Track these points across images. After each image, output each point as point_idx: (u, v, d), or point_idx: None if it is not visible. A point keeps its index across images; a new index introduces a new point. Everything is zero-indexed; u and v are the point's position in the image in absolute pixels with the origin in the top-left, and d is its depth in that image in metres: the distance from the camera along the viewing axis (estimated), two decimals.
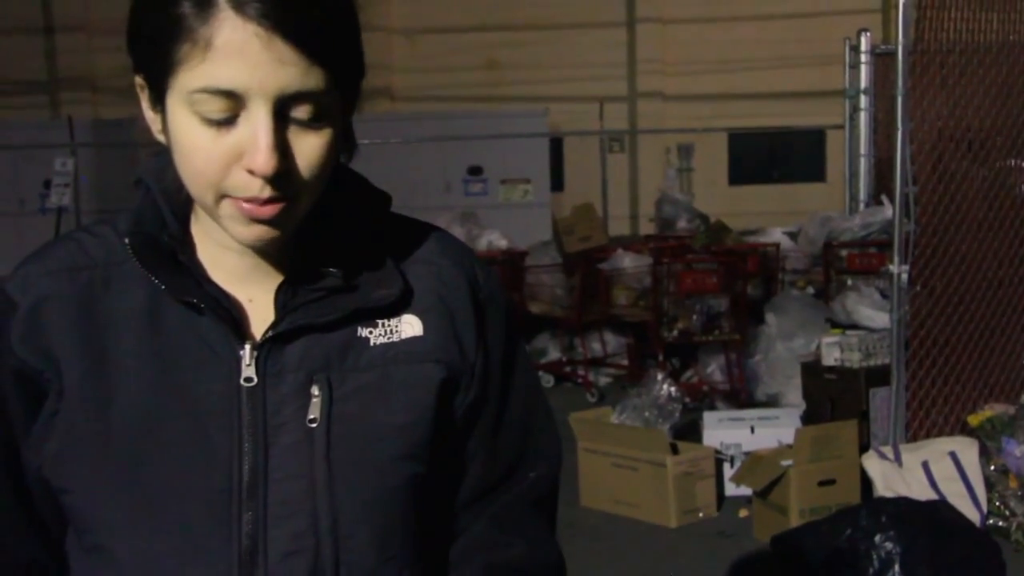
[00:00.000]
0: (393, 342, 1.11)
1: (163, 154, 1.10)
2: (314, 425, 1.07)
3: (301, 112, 1.00)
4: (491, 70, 18.92)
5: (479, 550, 1.19)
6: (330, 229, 1.13)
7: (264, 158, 0.98)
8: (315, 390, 1.08)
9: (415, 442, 1.11)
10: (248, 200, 1.00)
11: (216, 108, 0.98)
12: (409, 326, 1.13)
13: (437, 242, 1.19)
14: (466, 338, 1.15)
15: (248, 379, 1.07)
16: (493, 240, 8.92)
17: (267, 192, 1.00)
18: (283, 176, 1.00)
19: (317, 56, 0.99)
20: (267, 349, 1.08)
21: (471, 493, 1.20)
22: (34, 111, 17.65)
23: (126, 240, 1.08)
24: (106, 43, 17.40)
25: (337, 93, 1.02)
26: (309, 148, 1.01)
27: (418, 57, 18.60)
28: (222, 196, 1.01)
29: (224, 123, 0.99)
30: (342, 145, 1.08)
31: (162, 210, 1.11)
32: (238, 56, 0.96)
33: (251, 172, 0.99)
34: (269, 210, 1.01)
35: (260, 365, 1.07)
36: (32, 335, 1.08)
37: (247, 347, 1.08)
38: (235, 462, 1.06)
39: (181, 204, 1.11)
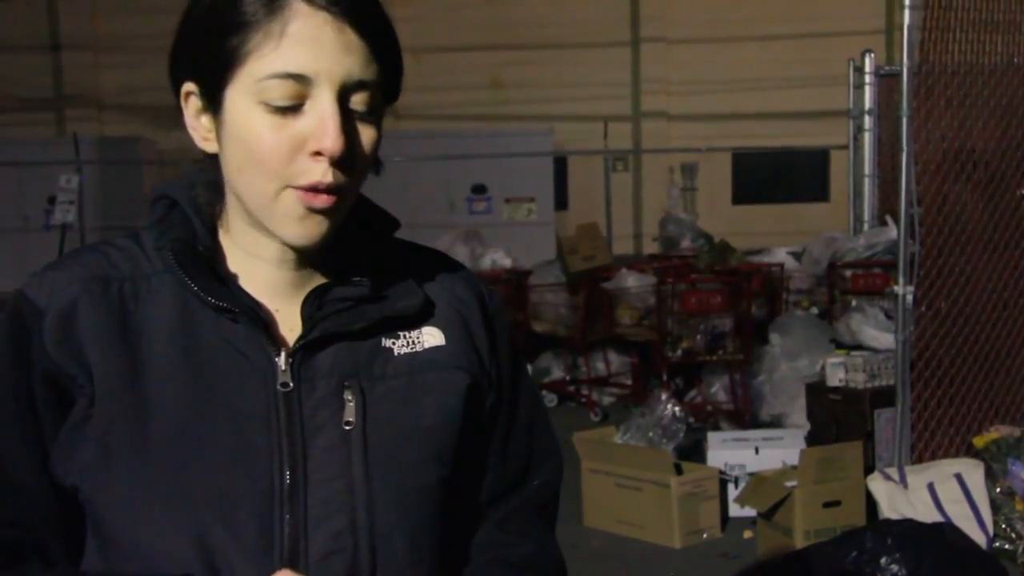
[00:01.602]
0: (416, 352, 1.17)
1: (187, 172, 1.16)
2: (350, 428, 1.11)
3: (359, 102, 1.06)
4: (496, 89, 18.98)
5: (487, 549, 1.24)
6: (349, 248, 1.17)
7: (333, 138, 1.03)
8: (348, 395, 1.12)
9: (443, 444, 1.16)
10: (310, 188, 1.05)
11: (285, 94, 1.03)
12: (431, 336, 1.18)
13: (444, 264, 1.26)
14: (482, 348, 1.22)
15: (284, 384, 1.10)
16: (497, 259, 8.90)
17: (330, 177, 1.05)
18: (346, 161, 1.05)
19: (377, 48, 1.07)
20: (300, 356, 1.11)
21: (484, 498, 1.26)
22: (39, 128, 17.69)
23: (169, 248, 1.11)
24: (112, 61, 17.53)
25: (381, 94, 1.08)
26: (364, 139, 1.08)
27: (423, 75, 18.61)
28: (284, 187, 1.05)
29: (290, 111, 1.04)
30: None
31: (192, 223, 1.14)
32: (311, 42, 1.03)
33: (318, 154, 1.04)
34: (324, 200, 1.06)
35: (294, 371, 1.11)
36: (67, 339, 1.08)
37: (283, 354, 1.10)
38: (275, 465, 1.08)
39: (209, 218, 1.15)
